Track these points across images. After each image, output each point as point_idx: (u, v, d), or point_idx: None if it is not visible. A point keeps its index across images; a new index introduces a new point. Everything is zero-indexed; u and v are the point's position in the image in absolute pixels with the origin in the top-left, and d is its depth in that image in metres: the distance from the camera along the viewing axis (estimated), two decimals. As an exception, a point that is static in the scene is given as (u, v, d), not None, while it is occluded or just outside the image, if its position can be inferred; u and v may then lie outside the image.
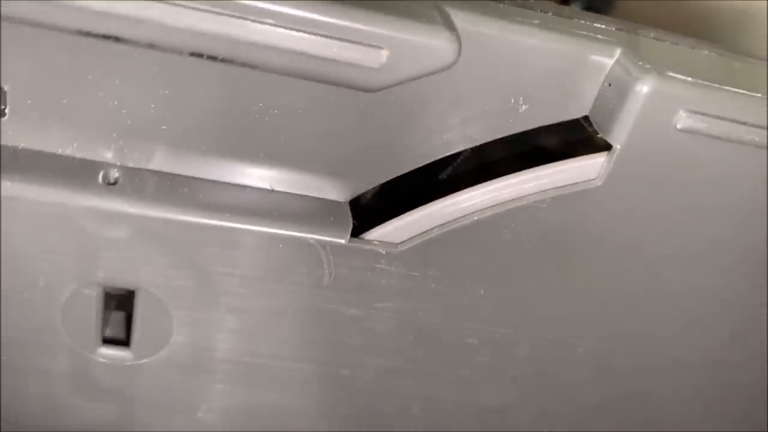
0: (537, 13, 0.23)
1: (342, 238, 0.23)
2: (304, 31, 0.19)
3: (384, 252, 0.23)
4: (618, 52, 0.22)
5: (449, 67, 0.20)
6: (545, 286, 0.25)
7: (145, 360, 0.24)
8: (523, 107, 0.23)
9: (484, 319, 0.25)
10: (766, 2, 0.43)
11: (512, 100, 0.23)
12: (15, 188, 0.21)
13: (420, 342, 0.25)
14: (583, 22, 0.24)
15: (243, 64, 0.20)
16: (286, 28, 0.19)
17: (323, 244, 0.23)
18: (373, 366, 0.25)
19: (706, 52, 0.25)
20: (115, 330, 0.25)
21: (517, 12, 0.22)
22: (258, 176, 0.23)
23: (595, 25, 0.24)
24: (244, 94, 0.21)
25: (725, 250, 0.25)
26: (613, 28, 0.24)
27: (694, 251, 0.25)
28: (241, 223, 0.22)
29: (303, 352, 0.25)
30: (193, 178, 0.23)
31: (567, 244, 0.24)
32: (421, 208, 0.23)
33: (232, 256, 0.23)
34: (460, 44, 0.20)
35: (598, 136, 0.23)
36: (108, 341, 0.24)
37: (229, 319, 0.24)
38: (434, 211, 0.23)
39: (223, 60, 0.19)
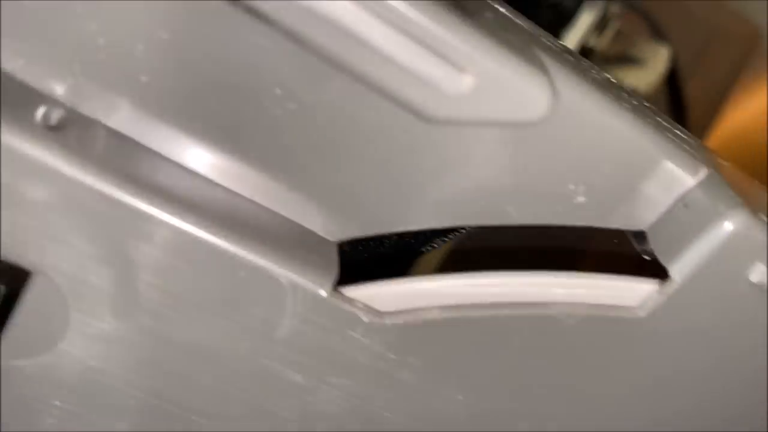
0: (627, 95, 0.19)
1: (323, 288, 0.18)
2: (380, 19, 0.14)
3: (366, 319, 0.18)
4: (704, 172, 0.19)
5: (533, 124, 0.16)
6: (538, 411, 0.20)
7: (12, 362, 0.18)
8: (581, 198, 0.19)
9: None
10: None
11: (572, 186, 0.18)
12: None
13: (362, 436, 0.20)
14: (667, 123, 0.20)
15: (285, 32, 0.15)
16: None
17: (296, 289, 0.18)
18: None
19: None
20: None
21: (611, 85, 0.18)
22: (236, 176, 0.18)
23: (677, 131, 0.20)
24: (263, 70, 0.16)
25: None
26: (692, 140, 0.21)
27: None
28: (196, 225, 0.17)
29: (222, 409, 0.19)
30: (155, 153, 0.17)
31: (580, 373, 0.20)
32: (425, 277, 0.18)
33: (173, 266, 0.17)
34: (554, 100, 0.16)
35: (652, 258, 0.19)
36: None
37: (140, 344, 0.18)
38: (442, 287, 0.18)
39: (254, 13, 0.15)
